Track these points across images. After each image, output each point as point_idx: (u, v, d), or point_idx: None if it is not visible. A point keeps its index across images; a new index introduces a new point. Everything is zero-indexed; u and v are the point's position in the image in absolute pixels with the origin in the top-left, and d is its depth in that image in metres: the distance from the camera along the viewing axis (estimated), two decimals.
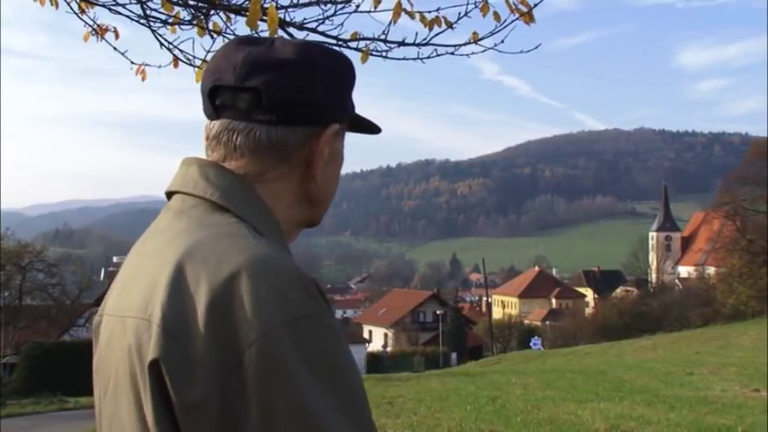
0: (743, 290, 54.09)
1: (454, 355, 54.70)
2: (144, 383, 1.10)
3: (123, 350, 1.15)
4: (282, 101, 1.26)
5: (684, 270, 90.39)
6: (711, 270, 68.74)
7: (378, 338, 64.68)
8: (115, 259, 34.39)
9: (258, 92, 1.25)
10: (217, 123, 1.30)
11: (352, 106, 1.38)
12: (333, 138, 1.32)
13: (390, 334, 64.34)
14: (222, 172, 1.28)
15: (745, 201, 57.62)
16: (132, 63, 3.94)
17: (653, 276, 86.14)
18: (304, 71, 1.28)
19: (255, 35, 1.51)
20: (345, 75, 1.35)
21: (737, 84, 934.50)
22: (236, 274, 1.09)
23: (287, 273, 1.11)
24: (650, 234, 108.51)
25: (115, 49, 3.83)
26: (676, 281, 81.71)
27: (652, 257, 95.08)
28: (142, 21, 3.64)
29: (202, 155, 1.34)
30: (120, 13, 3.62)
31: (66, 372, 29.16)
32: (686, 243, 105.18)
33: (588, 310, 77.03)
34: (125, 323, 1.16)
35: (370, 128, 1.45)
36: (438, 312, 62.03)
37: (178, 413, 1.07)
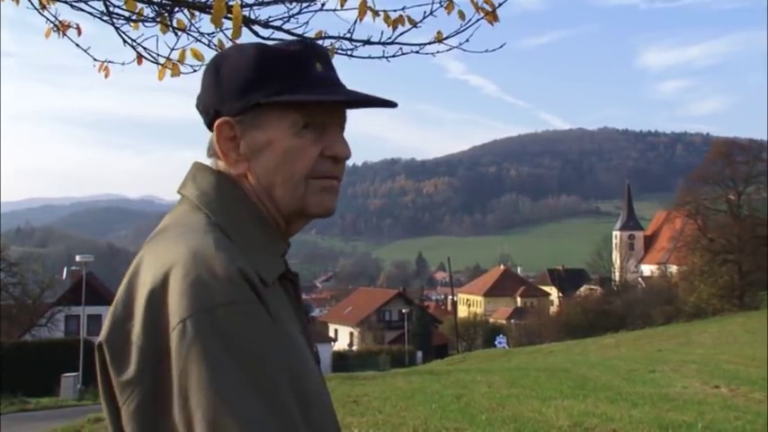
0: (704, 288, 54.80)
1: (420, 354, 54.82)
2: (97, 365, 1.26)
3: None
4: (200, 108, 1.42)
5: (647, 268, 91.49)
6: (673, 269, 69.62)
7: (343, 337, 64.62)
8: (78, 258, 33.82)
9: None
10: None
11: (267, 94, 1.35)
12: (240, 131, 1.36)
13: (356, 333, 64.31)
14: (207, 172, 1.40)
15: (707, 200, 58.38)
16: (95, 60, 3.90)
17: (616, 275, 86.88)
18: (205, 77, 1.42)
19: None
20: (244, 69, 1.37)
21: (699, 85, 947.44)
22: (172, 266, 1.20)
23: (214, 263, 1.19)
24: (614, 233, 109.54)
25: (77, 45, 3.79)
26: (639, 279, 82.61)
27: (615, 256, 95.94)
28: (105, 17, 3.60)
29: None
30: (82, 10, 3.58)
31: (28, 372, 28.79)
32: (649, 242, 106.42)
33: (553, 309, 77.58)
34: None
35: (327, 98, 1.38)
36: (404, 311, 62.06)
37: (116, 390, 1.21)
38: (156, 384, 1.16)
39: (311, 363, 1.34)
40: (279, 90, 1.35)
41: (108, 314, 1.26)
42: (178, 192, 1.40)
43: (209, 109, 1.39)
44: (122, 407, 1.20)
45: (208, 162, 1.42)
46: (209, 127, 1.39)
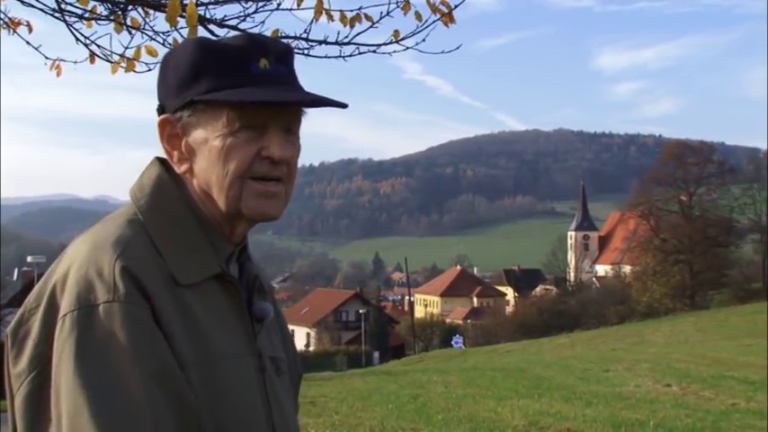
0: (656, 288, 55.63)
1: (377, 354, 54.78)
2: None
3: None
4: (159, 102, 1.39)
5: (602, 269, 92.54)
6: (627, 269, 70.52)
7: (300, 338, 64.35)
8: (29, 259, 33.27)
9: None
10: None
11: (202, 90, 1.31)
12: (181, 129, 1.33)
13: (313, 333, 64.10)
14: (154, 169, 1.37)
15: (659, 201, 59.26)
16: (47, 58, 3.84)
17: (571, 275, 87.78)
18: (158, 72, 1.40)
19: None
20: (182, 64, 1.34)
21: (652, 87, 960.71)
22: (72, 262, 1.24)
23: (103, 260, 1.21)
24: (569, 233, 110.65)
25: (28, 43, 3.73)
26: (594, 279, 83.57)
27: (570, 256, 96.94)
28: (56, 15, 3.54)
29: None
30: (33, 6, 3.52)
31: None
32: (603, 242, 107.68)
33: (509, 309, 78.07)
34: None
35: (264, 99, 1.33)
36: (360, 311, 62.01)
37: (10, 381, 1.24)
38: (41, 378, 1.19)
39: (234, 367, 1.30)
40: (214, 87, 1.30)
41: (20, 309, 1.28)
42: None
43: (158, 106, 1.37)
44: (14, 397, 1.22)
45: (159, 157, 1.41)
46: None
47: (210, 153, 1.31)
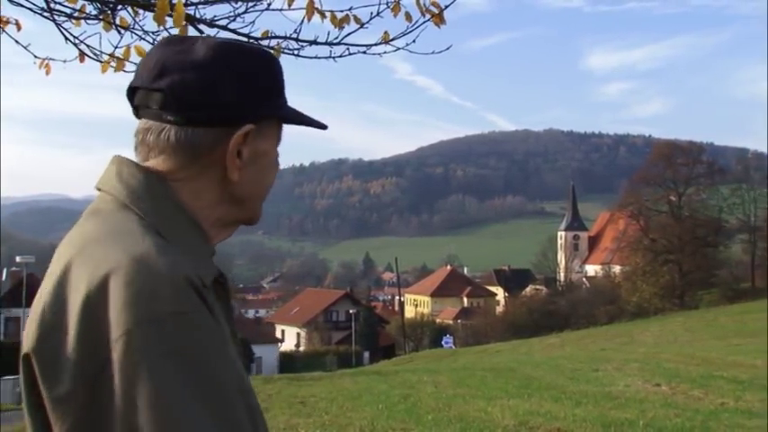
0: (646, 288, 55.85)
1: (367, 354, 54.82)
2: (21, 375, 1.16)
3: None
4: (189, 102, 1.27)
5: (591, 269, 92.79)
6: (617, 269, 70.75)
7: (290, 338, 64.34)
8: (18, 259, 33.18)
9: (166, 92, 1.27)
10: (138, 123, 1.33)
11: (279, 105, 1.37)
12: (251, 138, 1.32)
13: (303, 333, 64.09)
14: (135, 170, 1.30)
15: (648, 201, 59.51)
16: (36, 57, 3.83)
17: (561, 275, 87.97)
18: (213, 72, 1.29)
19: (185, 36, 1.49)
20: (263, 74, 1.34)
21: (642, 87, 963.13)
22: (111, 272, 1.12)
23: (159, 271, 1.13)
24: (559, 233, 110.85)
25: (17, 42, 3.71)
26: (584, 279, 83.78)
27: (560, 256, 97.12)
28: (45, 14, 3.53)
29: (114, 152, 1.36)
30: (21, 5, 3.50)
31: None
32: (593, 242, 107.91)
33: (499, 309, 78.23)
34: (30, 321, 1.20)
35: (312, 123, 1.44)
36: (351, 311, 62.00)
37: (47, 406, 1.12)
38: (92, 400, 1.08)
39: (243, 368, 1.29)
40: (284, 103, 1.39)
41: (32, 321, 1.16)
42: (100, 188, 1.31)
43: (216, 109, 1.29)
44: (55, 424, 1.12)
45: (126, 157, 1.33)
46: (193, 124, 1.28)
47: (266, 164, 1.37)
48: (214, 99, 1.28)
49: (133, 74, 1.38)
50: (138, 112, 1.32)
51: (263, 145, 1.34)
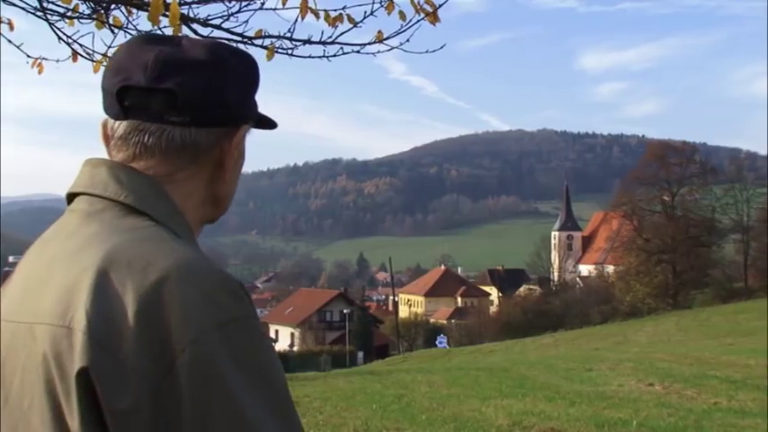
0: (639, 288, 55.93)
1: (361, 354, 54.78)
2: (68, 393, 1.07)
3: (34, 359, 1.11)
4: (196, 102, 1.25)
5: (585, 268, 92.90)
6: (610, 268, 70.88)
7: (284, 338, 64.31)
8: (11, 259, 33.20)
9: (172, 93, 1.24)
10: (124, 124, 1.27)
11: (257, 105, 1.39)
12: (240, 138, 1.34)
13: (297, 333, 64.01)
14: (133, 174, 1.26)
15: (642, 201, 59.57)
16: (28, 56, 3.82)
17: (555, 275, 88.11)
18: (216, 72, 1.28)
19: (160, 33, 1.47)
20: (252, 75, 1.36)
21: (635, 87, 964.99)
22: (163, 278, 1.09)
23: (214, 276, 1.12)
24: (552, 233, 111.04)
25: (9, 41, 3.70)
26: (577, 279, 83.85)
27: (554, 256, 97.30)
28: (39, 13, 3.52)
29: (102, 153, 1.32)
30: (14, 5, 3.49)
31: None
32: (587, 242, 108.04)
33: (493, 309, 78.23)
34: (34, 330, 1.12)
35: (268, 123, 1.44)
36: (345, 311, 61.96)
37: (110, 421, 1.06)
38: (159, 409, 1.05)
39: None
40: (256, 104, 1.39)
41: (78, 335, 1.08)
42: (88, 192, 1.26)
43: (218, 109, 1.28)
44: None
45: (111, 160, 1.29)
46: (188, 124, 1.26)
47: (239, 165, 1.37)
48: (220, 99, 1.28)
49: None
50: (126, 112, 1.26)
51: (244, 145, 1.36)
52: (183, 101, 1.24)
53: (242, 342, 1.09)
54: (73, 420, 1.08)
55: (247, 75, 1.35)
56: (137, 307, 1.08)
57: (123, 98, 1.26)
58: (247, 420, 1.06)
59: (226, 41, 1.46)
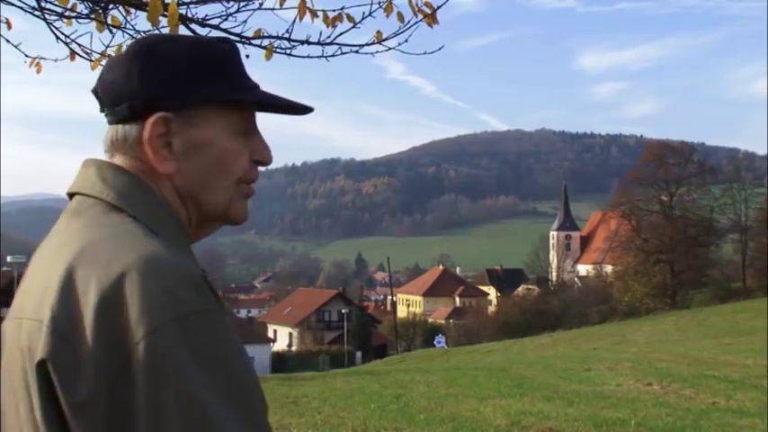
0: (638, 287, 55.94)
1: (359, 354, 54.81)
2: (33, 384, 1.10)
3: (18, 351, 1.15)
4: (111, 98, 1.28)
5: (583, 268, 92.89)
6: (609, 268, 70.87)
7: (282, 338, 64.30)
8: (9, 258, 33.17)
9: (96, 94, 1.31)
10: None
11: (218, 89, 1.29)
12: (178, 127, 1.27)
13: (295, 333, 64.03)
14: (119, 172, 1.28)
15: (640, 201, 59.57)
16: (26, 56, 3.82)
17: (553, 275, 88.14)
18: (129, 64, 1.28)
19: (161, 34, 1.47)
20: (188, 59, 1.29)
21: (634, 87, 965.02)
22: (124, 272, 1.09)
23: (175, 270, 1.12)
24: (551, 233, 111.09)
25: (8, 41, 3.70)
26: (576, 279, 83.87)
27: (552, 256, 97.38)
28: (36, 13, 3.52)
29: (102, 154, 1.34)
30: (12, 4, 3.49)
31: None
32: (585, 242, 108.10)
33: (491, 309, 78.25)
34: (21, 325, 1.16)
35: (289, 107, 1.38)
36: (343, 311, 61.97)
37: (67, 412, 1.07)
38: (115, 402, 1.05)
39: None
40: (226, 89, 1.30)
41: (44, 328, 1.11)
42: (79, 191, 1.29)
43: (134, 100, 1.26)
44: (76, 430, 1.08)
45: (102, 160, 1.32)
46: (125, 119, 1.27)
47: (213, 155, 1.29)
48: (129, 92, 1.27)
49: None
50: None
51: (198, 134, 1.28)
52: (103, 98, 1.30)
53: (202, 336, 1.08)
54: (36, 410, 1.10)
55: (177, 60, 1.29)
56: (97, 300, 1.08)
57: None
58: (206, 419, 1.03)
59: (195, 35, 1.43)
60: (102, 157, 1.32)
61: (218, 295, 1.15)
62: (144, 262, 1.11)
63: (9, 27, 3.75)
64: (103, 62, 3.57)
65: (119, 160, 1.30)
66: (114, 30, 3.56)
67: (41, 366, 1.09)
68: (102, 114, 1.33)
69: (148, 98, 1.26)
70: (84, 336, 1.07)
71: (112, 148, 1.30)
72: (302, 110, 1.39)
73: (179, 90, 1.28)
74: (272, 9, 3.45)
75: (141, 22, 3.54)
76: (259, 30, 3.51)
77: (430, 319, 75.19)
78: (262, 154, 1.34)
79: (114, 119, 1.29)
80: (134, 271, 1.09)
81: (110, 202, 1.24)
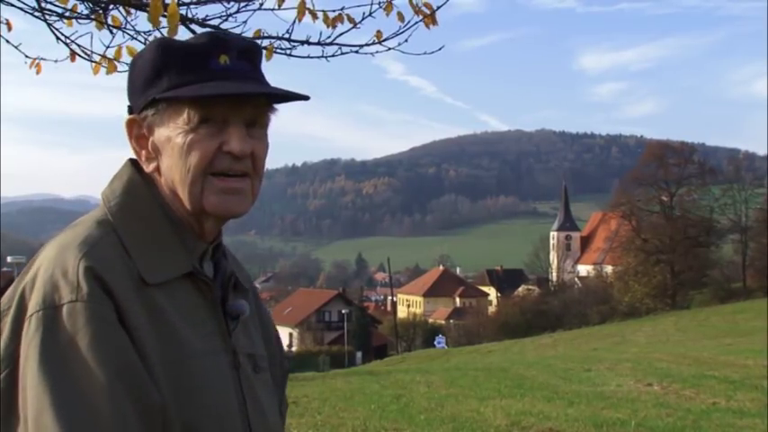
0: (638, 288, 55.89)
1: (359, 355, 54.77)
2: None
3: None
4: (129, 97, 1.41)
5: (583, 269, 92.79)
6: (609, 269, 70.82)
7: (283, 338, 62.96)
8: (9, 259, 33.18)
9: None
10: None
11: (163, 88, 1.32)
12: (147, 127, 1.35)
13: (295, 333, 64.01)
14: (127, 170, 1.39)
15: (640, 201, 59.52)
16: (27, 57, 3.81)
17: (553, 275, 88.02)
18: (132, 65, 1.41)
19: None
20: (147, 62, 1.36)
21: (634, 87, 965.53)
22: (41, 264, 1.26)
23: (68, 261, 1.22)
24: (551, 233, 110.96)
25: (8, 41, 3.70)
26: (576, 279, 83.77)
27: (553, 256, 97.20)
28: (37, 13, 3.52)
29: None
30: (12, 5, 3.49)
31: None
32: (585, 242, 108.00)
33: (491, 309, 78.21)
34: None
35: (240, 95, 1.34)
36: (343, 312, 61.93)
37: None
38: (11, 377, 1.18)
39: (206, 364, 1.31)
40: (175, 84, 1.32)
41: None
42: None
43: (127, 107, 1.39)
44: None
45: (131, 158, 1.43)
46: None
47: (173, 150, 1.32)
48: (129, 91, 1.40)
49: (125, 74, 1.43)
50: None
51: (162, 132, 1.34)
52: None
53: (69, 325, 1.17)
54: None
55: (140, 65, 1.37)
56: (22, 286, 1.25)
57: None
58: (50, 401, 1.12)
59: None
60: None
61: (109, 288, 1.21)
62: (53, 255, 1.25)
63: (9, 28, 3.75)
64: (105, 65, 3.59)
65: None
66: (114, 30, 3.56)
67: None
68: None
69: (129, 103, 1.39)
70: (6, 319, 1.22)
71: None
72: (261, 96, 1.37)
73: (140, 93, 1.36)
74: (272, 9, 3.46)
75: (142, 22, 3.54)
76: (259, 30, 3.51)
77: (430, 320, 75.14)
78: (228, 144, 1.32)
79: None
80: (45, 263, 1.25)
81: (102, 199, 1.38)
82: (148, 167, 1.36)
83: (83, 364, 1.15)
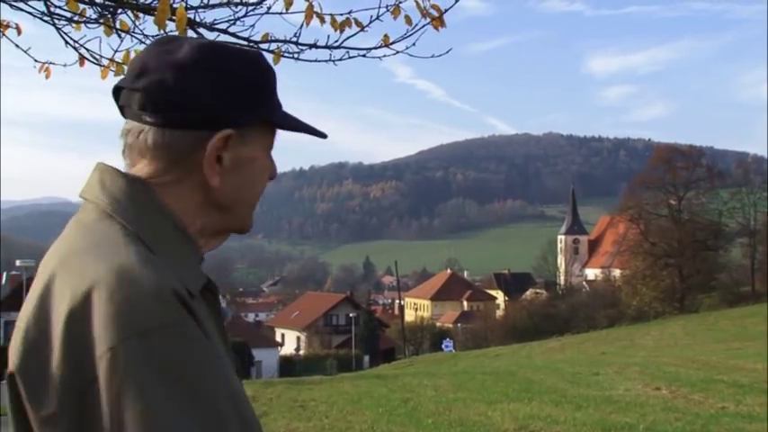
0: (646, 291, 55.75)
1: (367, 358, 54.79)
2: (7, 397, 1.12)
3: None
4: (167, 103, 1.23)
5: (591, 272, 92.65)
6: (617, 272, 70.67)
7: (290, 342, 64.30)
8: (18, 263, 33.27)
9: (144, 92, 1.23)
10: (123, 123, 1.28)
11: (269, 109, 1.32)
12: (232, 143, 1.26)
13: (303, 337, 64.05)
14: (117, 177, 1.26)
15: (648, 205, 59.39)
16: (36, 61, 3.83)
17: (561, 279, 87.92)
18: (192, 72, 1.24)
19: (175, 35, 1.45)
20: (248, 76, 1.29)
21: (642, 91, 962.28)
22: (94, 285, 1.08)
23: (144, 283, 1.09)
24: (559, 237, 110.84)
25: (17, 46, 3.71)
26: (584, 283, 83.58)
27: (560, 260, 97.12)
28: (45, 18, 3.53)
29: (113, 156, 1.35)
30: (21, 10, 3.51)
31: None
32: (593, 246, 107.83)
33: (499, 313, 78.15)
34: (14, 337, 1.16)
35: (309, 131, 1.40)
36: (351, 315, 62.00)
37: (35, 426, 1.08)
38: (80, 419, 1.04)
39: (237, 378, 1.26)
40: (276, 108, 1.34)
41: (16, 339, 1.13)
42: (82, 196, 1.27)
43: (200, 112, 1.24)
44: None
45: (107, 164, 1.30)
46: (174, 126, 1.24)
47: (254, 171, 1.32)
48: (192, 101, 1.24)
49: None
50: (123, 112, 1.28)
51: (247, 151, 1.29)
52: (153, 100, 1.22)
53: (165, 351, 1.05)
54: (9, 421, 1.12)
55: (238, 76, 1.28)
56: (66, 313, 1.08)
57: (118, 98, 1.29)
58: (166, 428, 1.01)
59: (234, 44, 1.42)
60: (119, 158, 1.31)
61: (191, 307, 1.12)
62: (113, 274, 1.09)
63: (19, 32, 3.76)
64: (113, 69, 3.59)
65: (137, 164, 1.27)
66: (123, 34, 3.57)
67: (11, 379, 1.11)
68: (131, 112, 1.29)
69: (220, 113, 1.25)
70: (52, 350, 1.07)
71: (140, 152, 1.27)
72: (318, 134, 1.43)
73: (242, 108, 1.27)
74: (280, 13, 3.46)
75: (150, 26, 3.55)
76: (267, 34, 3.52)
77: (438, 323, 75.19)
78: (272, 170, 1.38)
79: (160, 122, 1.24)
80: (103, 284, 1.08)
81: (103, 208, 1.23)
82: (215, 181, 1.26)
83: (193, 394, 1.06)
